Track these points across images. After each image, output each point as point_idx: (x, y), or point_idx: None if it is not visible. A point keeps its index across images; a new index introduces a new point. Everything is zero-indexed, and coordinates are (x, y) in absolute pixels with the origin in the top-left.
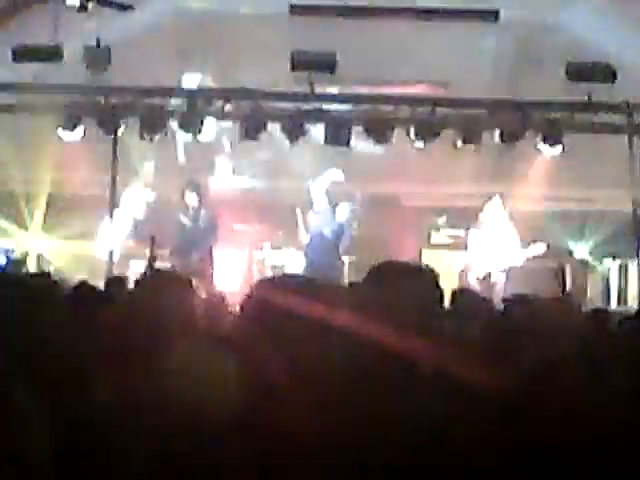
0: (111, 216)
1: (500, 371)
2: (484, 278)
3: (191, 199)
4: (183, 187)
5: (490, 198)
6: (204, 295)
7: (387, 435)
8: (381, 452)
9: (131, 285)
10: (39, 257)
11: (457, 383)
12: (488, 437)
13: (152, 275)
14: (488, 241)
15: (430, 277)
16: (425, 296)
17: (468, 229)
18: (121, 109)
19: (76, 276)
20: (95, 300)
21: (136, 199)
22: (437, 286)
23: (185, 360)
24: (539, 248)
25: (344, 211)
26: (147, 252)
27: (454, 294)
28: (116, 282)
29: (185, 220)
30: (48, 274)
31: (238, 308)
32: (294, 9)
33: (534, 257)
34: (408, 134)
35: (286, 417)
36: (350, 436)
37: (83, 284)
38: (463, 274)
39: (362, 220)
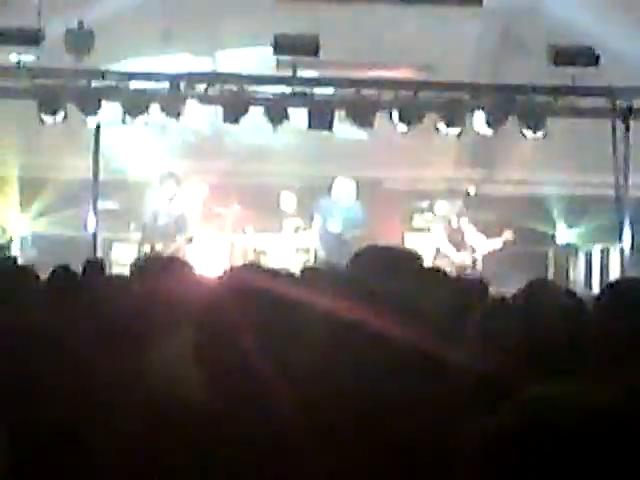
0: (95, 201)
1: (487, 352)
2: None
3: (168, 188)
4: (161, 176)
5: (467, 190)
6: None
7: (372, 420)
8: (367, 441)
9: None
10: (22, 241)
11: (442, 364)
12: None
13: (155, 258)
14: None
15: (414, 259)
16: (412, 278)
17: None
18: (103, 93)
19: (59, 260)
20: (73, 285)
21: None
22: (422, 267)
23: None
24: (506, 236)
25: (346, 188)
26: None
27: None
28: (93, 265)
29: (161, 207)
30: (14, 260)
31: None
32: None
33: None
34: (391, 118)
35: (265, 404)
36: (332, 422)
37: (61, 269)
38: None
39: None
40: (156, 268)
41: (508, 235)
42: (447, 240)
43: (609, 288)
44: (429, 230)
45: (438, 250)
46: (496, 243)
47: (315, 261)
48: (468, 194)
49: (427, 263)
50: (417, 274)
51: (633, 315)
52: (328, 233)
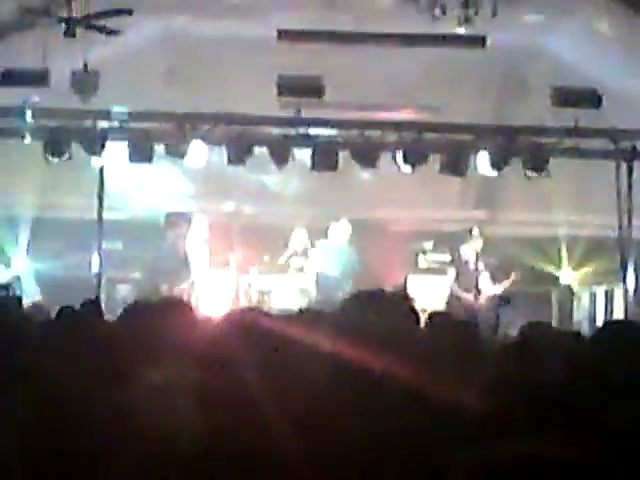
0: (99, 241)
1: (471, 388)
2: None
3: (170, 233)
4: (166, 217)
5: (471, 230)
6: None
7: (367, 453)
8: (361, 470)
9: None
10: (19, 281)
11: (430, 399)
12: (460, 453)
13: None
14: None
15: (404, 302)
16: (400, 319)
17: (452, 259)
18: (108, 133)
19: (62, 301)
20: (76, 326)
21: None
22: (412, 310)
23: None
24: (509, 282)
25: (342, 231)
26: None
27: (430, 316)
28: (91, 305)
29: (164, 249)
30: (19, 299)
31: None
32: (281, 34)
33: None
34: (395, 159)
35: (265, 436)
36: (330, 455)
37: (65, 310)
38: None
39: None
40: (151, 309)
41: (514, 277)
42: (458, 284)
43: (598, 333)
44: (442, 272)
45: (451, 293)
46: (502, 286)
47: (309, 302)
48: (471, 235)
49: (439, 306)
50: (406, 316)
51: (626, 358)
52: (326, 276)
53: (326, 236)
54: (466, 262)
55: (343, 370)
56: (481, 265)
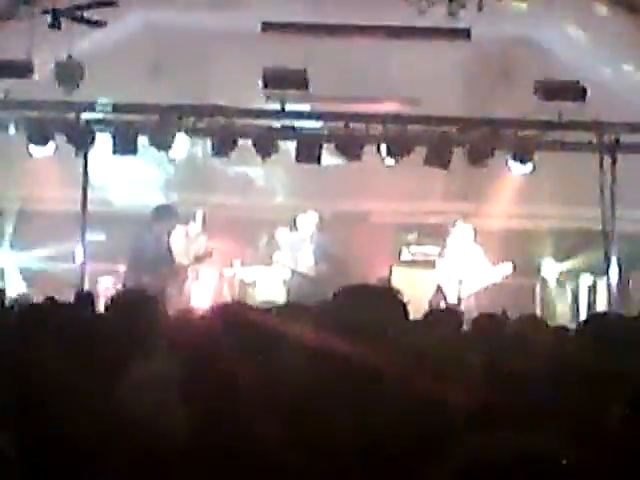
0: (83, 233)
1: (458, 382)
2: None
3: (156, 226)
4: (153, 212)
5: (455, 222)
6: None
7: (353, 447)
8: (347, 460)
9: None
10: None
11: (419, 393)
12: (449, 446)
13: (124, 293)
14: (456, 266)
15: (393, 295)
16: (389, 312)
17: (440, 251)
18: (92, 125)
19: (45, 293)
20: (63, 317)
21: None
22: (401, 303)
23: (148, 376)
24: (506, 268)
25: (309, 222)
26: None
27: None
28: (85, 298)
29: (148, 241)
30: (1, 291)
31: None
32: (266, 26)
33: (504, 277)
34: (379, 151)
35: (250, 431)
36: (315, 449)
37: (50, 301)
38: (434, 299)
39: (330, 235)
40: (133, 303)
41: (508, 267)
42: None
43: (585, 325)
44: (428, 264)
45: (439, 287)
46: (501, 271)
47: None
48: (456, 226)
49: (417, 297)
50: (394, 309)
51: (610, 351)
52: (297, 273)
53: (294, 228)
54: (454, 253)
55: (328, 364)
56: (479, 250)
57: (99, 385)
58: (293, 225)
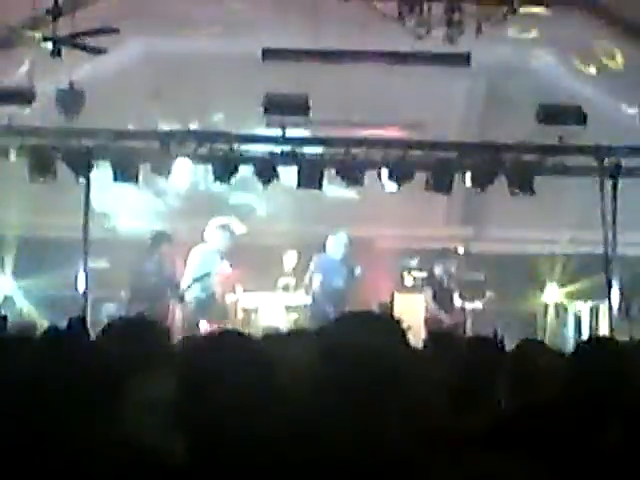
0: (85, 260)
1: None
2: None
3: (156, 252)
4: (152, 237)
5: (455, 251)
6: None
7: (351, 472)
8: None
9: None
10: (6, 300)
11: (417, 419)
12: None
13: (123, 318)
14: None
15: (394, 322)
16: (390, 340)
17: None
18: (94, 152)
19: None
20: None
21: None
22: (402, 331)
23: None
24: (484, 300)
25: (339, 243)
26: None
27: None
28: (76, 324)
29: (150, 267)
30: (4, 318)
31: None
32: (267, 53)
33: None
34: (380, 177)
35: (244, 458)
36: (315, 471)
37: (51, 329)
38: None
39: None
40: (131, 328)
41: (489, 296)
42: (435, 302)
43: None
44: (422, 289)
45: (427, 310)
46: (476, 305)
47: (308, 318)
48: (457, 253)
49: (418, 323)
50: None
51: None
52: (334, 289)
53: (322, 250)
54: (440, 281)
55: (326, 390)
56: (452, 284)
57: (93, 411)
58: (322, 247)
